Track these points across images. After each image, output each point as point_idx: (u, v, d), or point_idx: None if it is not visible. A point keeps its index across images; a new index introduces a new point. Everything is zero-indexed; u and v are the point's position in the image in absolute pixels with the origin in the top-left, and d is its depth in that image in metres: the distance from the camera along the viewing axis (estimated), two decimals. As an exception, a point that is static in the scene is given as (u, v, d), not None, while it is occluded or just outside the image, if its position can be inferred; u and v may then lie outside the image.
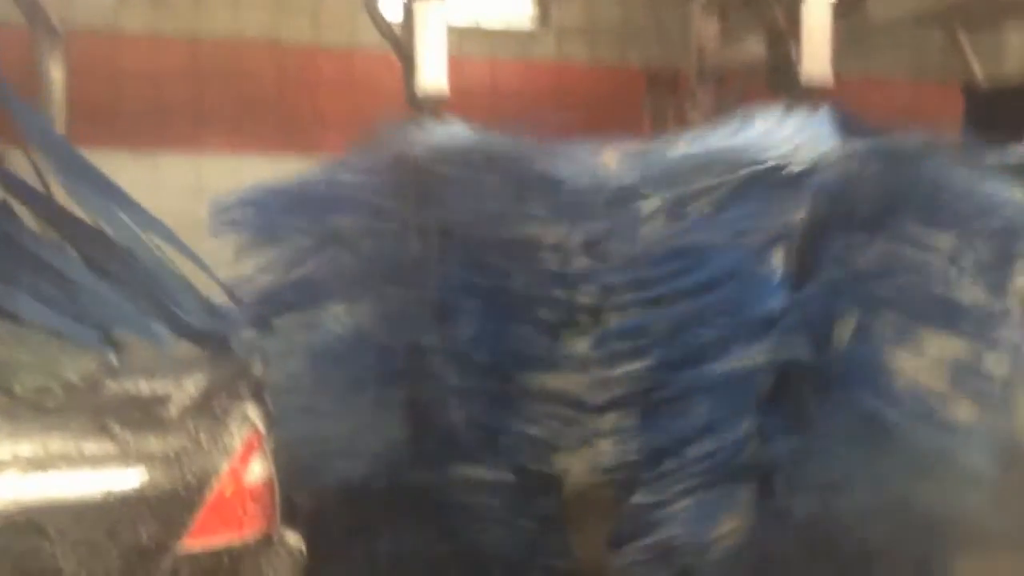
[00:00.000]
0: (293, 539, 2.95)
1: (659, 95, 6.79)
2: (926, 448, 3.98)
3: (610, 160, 4.15)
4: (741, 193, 3.95)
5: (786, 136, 3.97)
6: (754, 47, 6.29)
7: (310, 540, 2.97)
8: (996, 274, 4.00)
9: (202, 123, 6.34)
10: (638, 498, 4.11)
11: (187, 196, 6.30)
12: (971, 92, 6.50)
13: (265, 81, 6.47)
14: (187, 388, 2.93)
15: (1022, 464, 4.05)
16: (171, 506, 2.61)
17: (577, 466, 4.35)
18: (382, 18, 4.56)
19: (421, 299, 4.30)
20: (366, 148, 4.48)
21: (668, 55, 6.81)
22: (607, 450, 4.19)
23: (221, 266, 4.53)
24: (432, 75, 4.40)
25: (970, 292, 4.02)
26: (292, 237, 4.47)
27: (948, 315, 4.00)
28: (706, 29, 6.59)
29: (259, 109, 6.44)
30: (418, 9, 4.35)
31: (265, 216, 4.51)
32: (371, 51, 5.81)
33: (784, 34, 3.95)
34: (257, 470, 2.78)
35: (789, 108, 4.00)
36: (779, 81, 4.03)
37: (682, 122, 6.71)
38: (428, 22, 4.37)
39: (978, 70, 6.65)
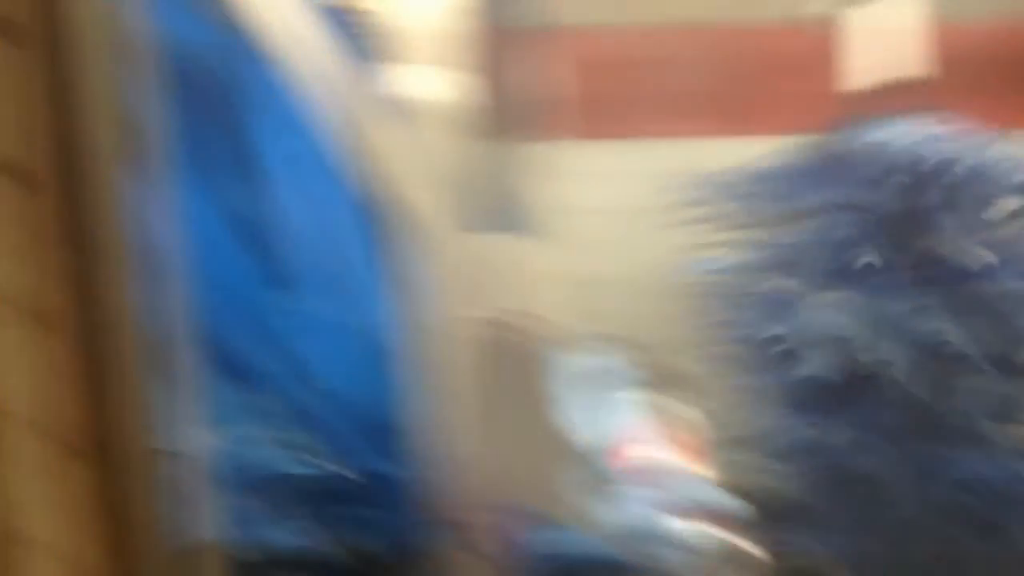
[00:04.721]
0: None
1: None
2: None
3: None
4: None
5: None
6: None
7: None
8: None
9: (663, 110, 6.53)
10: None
11: (644, 183, 6.58)
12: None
13: (726, 65, 6.49)
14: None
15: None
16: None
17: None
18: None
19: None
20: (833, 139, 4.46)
21: None
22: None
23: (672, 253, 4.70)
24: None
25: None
26: (760, 222, 4.52)
27: None
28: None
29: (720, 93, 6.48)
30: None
31: (732, 200, 4.59)
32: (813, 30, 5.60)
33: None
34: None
35: None
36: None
37: None
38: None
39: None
